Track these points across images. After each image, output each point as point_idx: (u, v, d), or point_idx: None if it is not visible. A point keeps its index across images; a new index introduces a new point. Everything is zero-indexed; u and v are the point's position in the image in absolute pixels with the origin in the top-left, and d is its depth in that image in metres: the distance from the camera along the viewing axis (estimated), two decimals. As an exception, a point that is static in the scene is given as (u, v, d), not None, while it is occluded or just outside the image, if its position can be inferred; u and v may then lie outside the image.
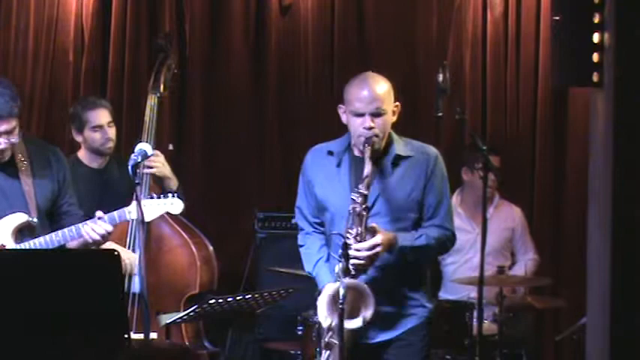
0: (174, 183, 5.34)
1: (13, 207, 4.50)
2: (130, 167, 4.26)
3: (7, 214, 4.49)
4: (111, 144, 5.39)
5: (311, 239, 4.43)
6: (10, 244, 4.44)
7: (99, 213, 4.50)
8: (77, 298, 3.64)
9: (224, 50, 6.78)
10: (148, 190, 5.23)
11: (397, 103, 4.28)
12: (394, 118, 4.28)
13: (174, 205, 4.61)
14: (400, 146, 4.32)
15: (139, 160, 4.39)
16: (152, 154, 4.91)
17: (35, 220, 4.49)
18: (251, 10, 6.77)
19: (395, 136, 4.33)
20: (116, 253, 3.73)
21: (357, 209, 4.12)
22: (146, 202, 4.55)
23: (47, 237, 4.49)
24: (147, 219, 4.54)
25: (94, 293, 3.66)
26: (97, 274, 3.70)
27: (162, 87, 5.46)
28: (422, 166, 4.30)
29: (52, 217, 4.64)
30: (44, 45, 6.60)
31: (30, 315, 3.60)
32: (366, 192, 4.12)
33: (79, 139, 5.40)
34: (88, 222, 4.47)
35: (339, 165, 4.34)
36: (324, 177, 4.36)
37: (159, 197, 4.60)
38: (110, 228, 4.47)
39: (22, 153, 4.56)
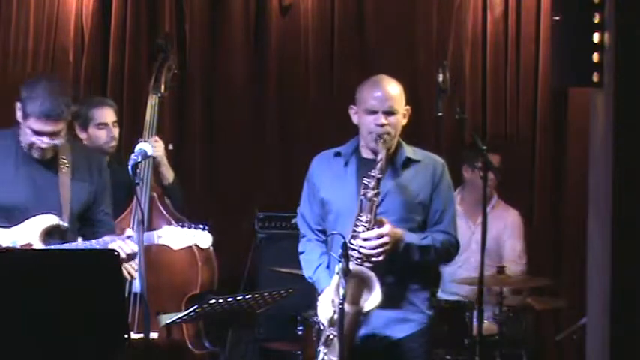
0: (170, 175, 5.37)
1: (47, 206, 4.49)
2: (130, 167, 4.27)
3: (39, 214, 4.48)
4: (114, 143, 5.40)
5: (312, 246, 4.44)
6: (38, 245, 4.42)
7: (129, 231, 4.50)
8: (77, 298, 3.64)
9: (224, 50, 6.78)
10: (149, 190, 5.24)
11: (408, 107, 4.34)
12: (404, 121, 4.34)
13: (204, 238, 4.62)
14: (410, 150, 4.39)
15: (139, 160, 4.39)
16: (151, 155, 4.91)
17: (66, 224, 4.48)
18: (251, 10, 6.77)
19: (403, 142, 4.39)
20: (116, 253, 3.74)
21: (369, 195, 4.15)
22: (177, 230, 4.58)
23: (74, 245, 4.48)
24: (174, 247, 4.59)
25: (94, 293, 3.66)
26: (97, 274, 3.70)
27: (162, 87, 5.47)
28: (430, 171, 4.37)
29: (84, 223, 4.64)
30: (44, 45, 6.60)
31: (30, 315, 3.60)
32: (379, 176, 4.15)
33: (82, 136, 5.40)
34: (116, 239, 4.46)
35: (346, 165, 4.38)
36: (330, 178, 4.39)
37: (189, 227, 4.61)
38: (137, 248, 4.40)
39: (65, 155, 4.56)
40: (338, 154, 4.42)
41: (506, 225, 6.19)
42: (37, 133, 4.43)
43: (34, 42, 6.59)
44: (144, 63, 6.56)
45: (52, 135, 4.44)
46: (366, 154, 4.35)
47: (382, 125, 4.24)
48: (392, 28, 6.73)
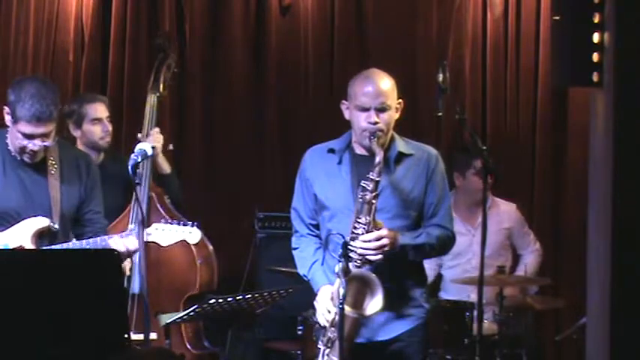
0: (166, 166, 5.38)
1: (37, 209, 4.49)
2: (130, 167, 4.27)
3: (30, 216, 4.48)
4: (109, 138, 5.42)
5: (305, 242, 4.43)
6: (29, 247, 4.42)
7: (130, 226, 4.50)
8: (77, 298, 3.64)
9: (224, 50, 6.78)
10: (148, 189, 5.23)
11: (400, 100, 4.30)
12: (397, 115, 4.30)
13: (193, 234, 4.60)
14: (402, 144, 4.34)
15: (139, 160, 4.39)
16: (152, 155, 4.92)
17: (56, 226, 4.48)
18: (251, 10, 6.77)
19: (396, 135, 4.35)
20: (116, 252, 3.74)
21: (367, 197, 4.12)
22: (165, 227, 4.56)
23: (71, 244, 4.48)
24: (163, 244, 4.57)
25: (94, 293, 3.66)
26: (97, 274, 3.70)
27: (161, 86, 5.48)
28: (424, 164, 4.33)
29: (76, 223, 4.63)
30: (44, 45, 6.61)
31: (30, 315, 3.59)
32: (378, 178, 4.12)
33: (76, 133, 5.40)
34: (114, 236, 4.46)
35: (340, 162, 4.34)
36: (324, 175, 4.36)
37: (178, 224, 4.60)
38: (136, 245, 4.39)
39: (53, 156, 4.55)
40: (331, 151, 4.38)
41: (511, 223, 6.20)
42: (28, 137, 4.40)
43: (34, 42, 6.59)
44: (144, 63, 6.57)
45: (43, 137, 4.41)
46: (359, 150, 4.32)
47: (374, 123, 4.20)
48: (392, 28, 6.73)
